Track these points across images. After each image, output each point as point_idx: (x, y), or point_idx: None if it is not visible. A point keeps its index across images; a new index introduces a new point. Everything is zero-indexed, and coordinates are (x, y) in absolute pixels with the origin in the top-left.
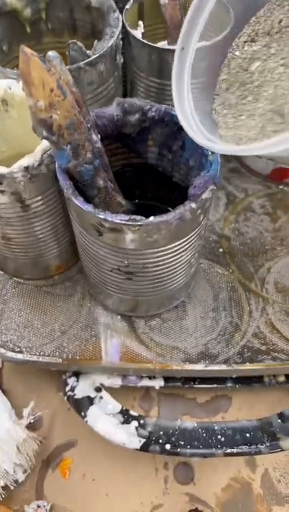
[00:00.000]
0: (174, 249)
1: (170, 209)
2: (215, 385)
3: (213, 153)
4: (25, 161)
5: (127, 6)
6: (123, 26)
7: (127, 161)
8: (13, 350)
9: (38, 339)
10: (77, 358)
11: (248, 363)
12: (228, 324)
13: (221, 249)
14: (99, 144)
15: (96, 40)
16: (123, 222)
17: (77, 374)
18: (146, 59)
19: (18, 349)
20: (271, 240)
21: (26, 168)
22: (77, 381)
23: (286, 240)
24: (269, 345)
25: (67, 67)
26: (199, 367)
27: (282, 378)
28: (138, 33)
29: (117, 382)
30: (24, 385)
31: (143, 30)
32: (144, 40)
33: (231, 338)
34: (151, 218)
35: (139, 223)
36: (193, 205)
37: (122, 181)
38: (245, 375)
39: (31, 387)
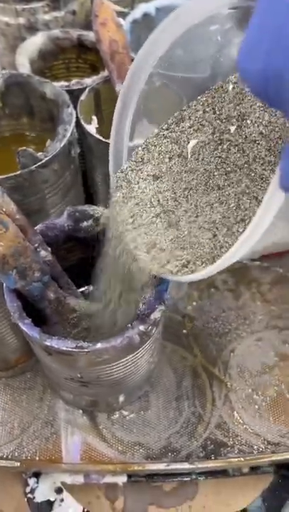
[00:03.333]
0: (127, 360)
1: None
2: (178, 479)
3: None
4: None
5: (82, 97)
6: (78, 119)
7: (84, 254)
8: None
9: None
10: (37, 458)
11: (210, 460)
12: (190, 415)
13: (184, 331)
14: (49, 257)
15: (49, 140)
16: (69, 349)
17: (37, 474)
18: (103, 151)
19: None
20: (234, 319)
21: None
22: (37, 482)
23: (249, 319)
24: (232, 436)
25: (19, 172)
26: (161, 466)
27: (246, 469)
28: (92, 127)
29: (79, 479)
30: None
31: (97, 126)
32: (99, 136)
33: (194, 430)
34: (98, 345)
35: (85, 350)
36: (142, 327)
37: (79, 269)
38: (208, 471)
39: None
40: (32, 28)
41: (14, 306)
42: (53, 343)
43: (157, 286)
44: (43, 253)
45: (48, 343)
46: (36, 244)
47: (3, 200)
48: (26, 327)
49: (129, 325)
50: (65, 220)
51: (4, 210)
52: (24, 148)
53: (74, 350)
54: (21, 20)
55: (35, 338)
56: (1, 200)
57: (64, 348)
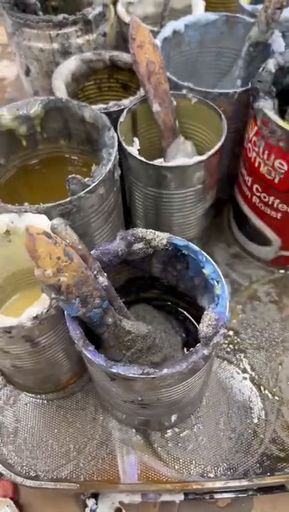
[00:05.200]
0: (188, 382)
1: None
2: (237, 495)
3: (218, 282)
4: (34, 310)
5: (121, 119)
6: (118, 141)
7: (132, 275)
8: (29, 476)
9: (54, 460)
10: (95, 478)
11: (268, 475)
12: (244, 430)
13: (231, 346)
14: (105, 282)
15: (94, 165)
16: (136, 376)
17: (95, 494)
18: (144, 173)
19: (34, 473)
20: (280, 331)
21: (35, 317)
22: (97, 503)
23: None
24: (288, 451)
25: (69, 199)
26: (219, 484)
27: None
28: (134, 149)
29: (136, 499)
30: (43, 499)
31: (139, 147)
32: (141, 158)
33: (249, 446)
34: (165, 371)
35: (151, 376)
36: (206, 351)
37: (127, 290)
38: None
39: (51, 501)
40: (66, 53)
41: (77, 333)
42: (120, 370)
43: (215, 308)
44: (100, 279)
45: (114, 370)
46: (95, 272)
47: (67, 232)
48: (91, 354)
49: (193, 349)
50: (118, 244)
51: (68, 241)
52: (74, 175)
53: (141, 376)
54: (55, 46)
55: (100, 365)
56: (65, 233)
57: (130, 375)
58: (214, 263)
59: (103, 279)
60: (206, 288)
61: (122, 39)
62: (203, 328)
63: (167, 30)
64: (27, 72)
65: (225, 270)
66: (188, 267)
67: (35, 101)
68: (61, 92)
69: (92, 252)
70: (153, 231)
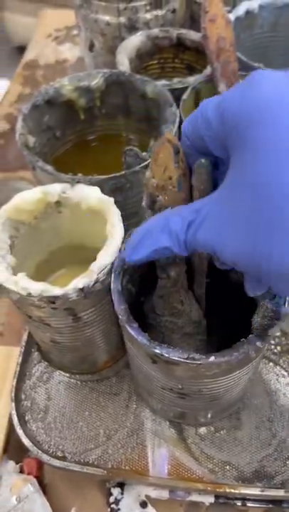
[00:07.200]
0: (234, 375)
1: None
2: (270, 505)
3: None
4: (81, 281)
5: (184, 97)
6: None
7: None
8: (55, 456)
9: (83, 443)
10: (122, 467)
11: None
12: (286, 437)
13: (278, 347)
14: None
15: (152, 140)
16: (181, 360)
17: (121, 484)
18: None
19: (62, 454)
20: None
21: (81, 289)
22: (122, 493)
23: None
24: None
25: (123, 172)
26: (254, 491)
27: None
28: None
29: (164, 495)
30: (67, 482)
31: None
32: None
33: None
34: (212, 358)
35: (198, 362)
36: (259, 343)
37: None
38: None
39: (75, 485)
40: (132, 28)
41: (122, 308)
42: (164, 351)
43: (273, 299)
44: None
45: (157, 350)
46: None
47: (202, 176)
48: (135, 331)
49: (244, 340)
50: None
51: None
52: (130, 147)
53: (186, 361)
54: (122, 20)
55: (144, 344)
56: (199, 175)
57: (175, 358)
58: None
59: None
60: None
61: (191, 18)
62: (258, 318)
63: (240, 10)
64: (91, 47)
65: None
66: None
67: (98, 73)
68: (124, 66)
69: None
70: None
